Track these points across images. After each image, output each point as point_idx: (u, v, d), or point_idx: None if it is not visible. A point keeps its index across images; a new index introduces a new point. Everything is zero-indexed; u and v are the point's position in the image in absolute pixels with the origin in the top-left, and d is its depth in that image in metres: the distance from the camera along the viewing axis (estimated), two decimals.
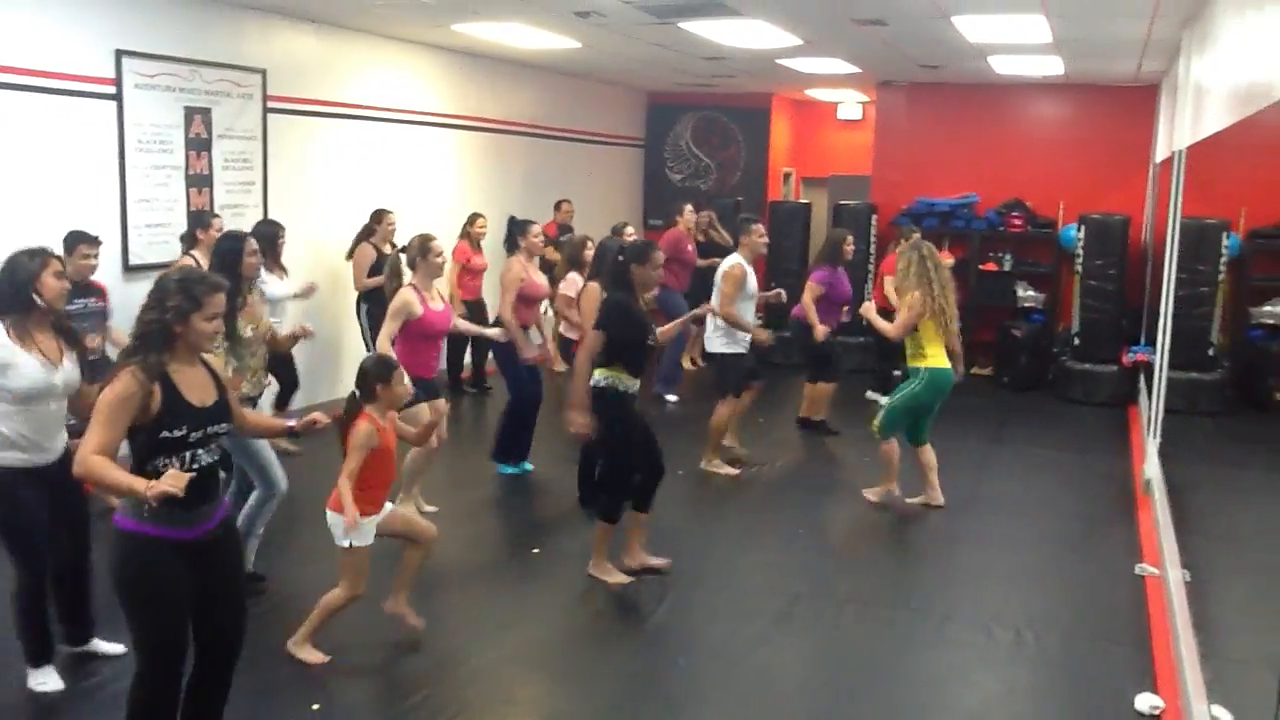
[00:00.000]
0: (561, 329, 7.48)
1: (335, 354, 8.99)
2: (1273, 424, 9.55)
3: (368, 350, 8.61)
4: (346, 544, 4.41)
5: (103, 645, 4.51)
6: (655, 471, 5.57)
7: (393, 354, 5.43)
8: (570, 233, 10.94)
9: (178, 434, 3.25)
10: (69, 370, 4.20)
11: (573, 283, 7.18)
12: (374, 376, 4.51)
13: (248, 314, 5.04)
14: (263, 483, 5.07)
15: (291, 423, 3.82)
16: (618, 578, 5.53)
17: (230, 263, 5.05)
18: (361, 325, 8.65)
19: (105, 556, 3.38)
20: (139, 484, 3.10)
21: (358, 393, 4.54)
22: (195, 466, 3.29)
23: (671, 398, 9.75)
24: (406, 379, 4.87)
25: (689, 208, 10.65)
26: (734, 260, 7.50)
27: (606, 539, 5.56)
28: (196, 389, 3.33)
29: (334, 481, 4.40)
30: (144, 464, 3.24)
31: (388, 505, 4.62)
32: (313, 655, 4.54)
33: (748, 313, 7.48)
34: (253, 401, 5.13)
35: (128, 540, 3.28)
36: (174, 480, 3.08)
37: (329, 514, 4.47)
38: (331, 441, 4.57)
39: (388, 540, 4.65)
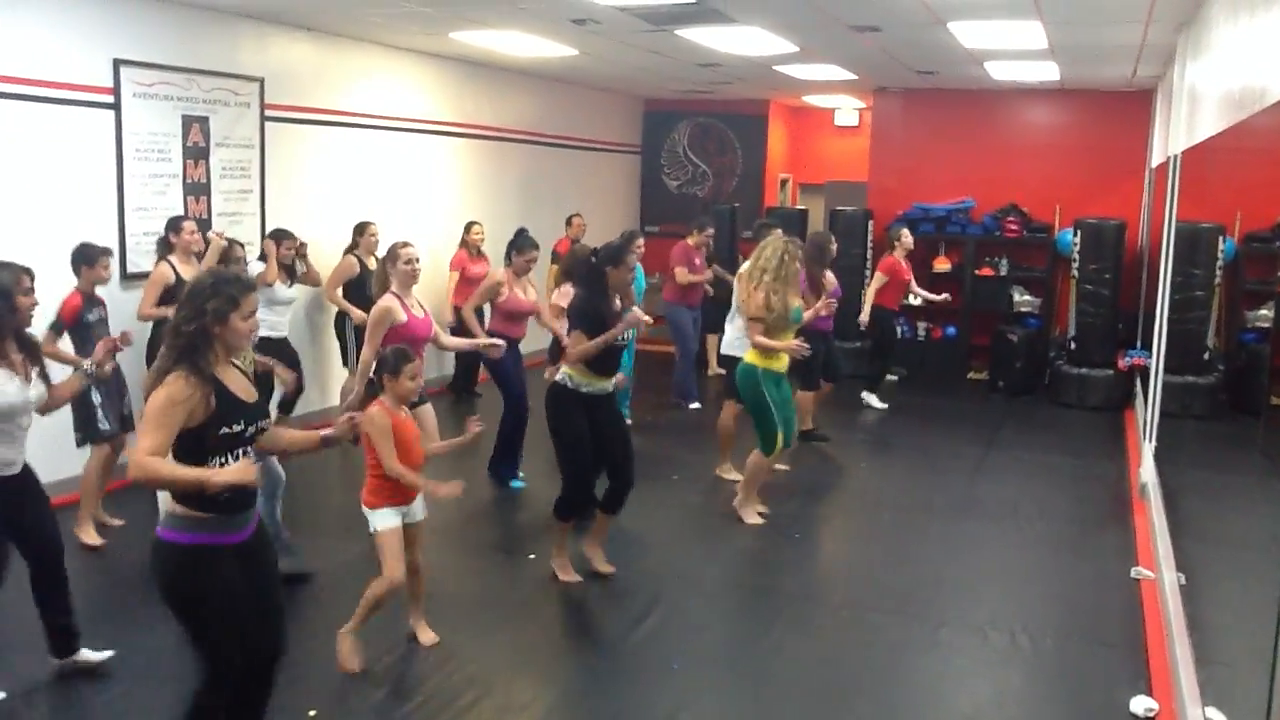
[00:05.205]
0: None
1: (326, 365, 8.97)
2: (1267, 428, 9.56)
3: (344, 364, 8.62)
4: (372, 530, 4.51)
5: (90, 655, 4.43)
6: (621, 480, 5.58)
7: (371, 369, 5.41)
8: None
9: (236, 429, 3.25)
10: (38, 385, 4.18)
11: (565, 294, 7.18)
12: (383, 366, 4.55)
13: None
14: (267, 476, 5.08)
15: (326, 431, 3.70)
16: (569, 576, 5.61)
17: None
18: (341, 338, 8.53)
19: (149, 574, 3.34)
20: (204, 474, 3.09)
21: (374, 380, 4.63)
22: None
23: (695, 405, 9.77)
24: (418, 378, 4.79)
25: (710, 231, 9.91)
26: None
27: (563, 536, 5.64)
28: (240, 386, 3.36)
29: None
30: (200, 466, 3.19)
31: (419, 509, 4.66)
32: (347, 649, 4.58)
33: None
34: None
35: (180, 554, 3.25)
36: (243, 469, 3.09)
37: (364, 509, 4.56)
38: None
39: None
